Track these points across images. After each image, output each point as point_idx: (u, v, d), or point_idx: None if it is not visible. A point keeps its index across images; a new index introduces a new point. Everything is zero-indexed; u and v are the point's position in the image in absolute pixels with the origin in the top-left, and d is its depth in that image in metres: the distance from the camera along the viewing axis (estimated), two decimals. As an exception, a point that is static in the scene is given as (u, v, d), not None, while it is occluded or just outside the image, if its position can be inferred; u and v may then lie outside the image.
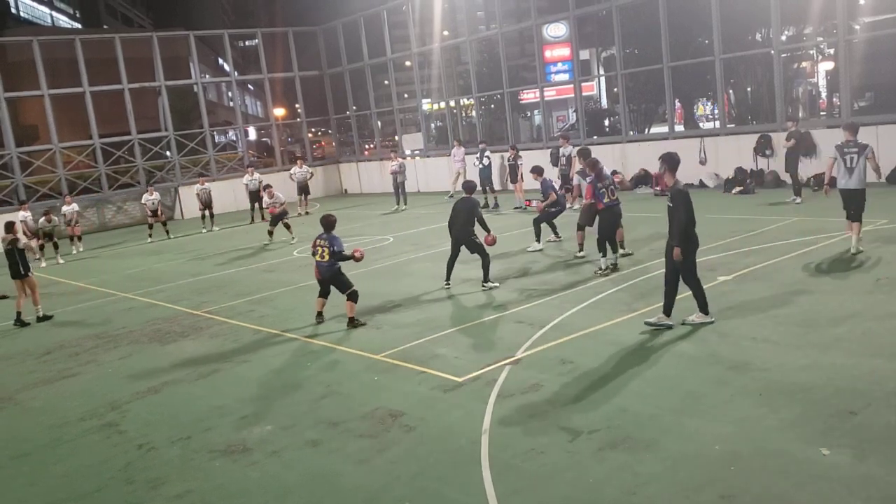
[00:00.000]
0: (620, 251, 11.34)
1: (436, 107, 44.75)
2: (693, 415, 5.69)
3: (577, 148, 12.98)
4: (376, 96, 30.99)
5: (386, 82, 32.02)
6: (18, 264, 11.85)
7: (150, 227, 21.96)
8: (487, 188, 20.49)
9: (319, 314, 9.79)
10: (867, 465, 4.66)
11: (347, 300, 9.43)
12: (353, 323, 9.40)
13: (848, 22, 18.14)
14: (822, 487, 4.46)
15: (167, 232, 22.15)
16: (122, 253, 20.17)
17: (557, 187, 19.87)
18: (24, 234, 17.40)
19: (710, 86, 25.50)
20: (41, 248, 19.24)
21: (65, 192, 24.46)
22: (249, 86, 67.78)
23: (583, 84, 26.21)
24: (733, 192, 17.57)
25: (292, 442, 6.10)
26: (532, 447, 5.39)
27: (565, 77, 36.65)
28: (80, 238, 20.92)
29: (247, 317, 10.72)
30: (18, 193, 24.97)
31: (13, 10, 57.95)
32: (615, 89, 31.67)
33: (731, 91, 27.93)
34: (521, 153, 19.97)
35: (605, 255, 10.66)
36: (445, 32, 31.86)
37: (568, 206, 18.32)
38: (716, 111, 32.44)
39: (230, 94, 50.13)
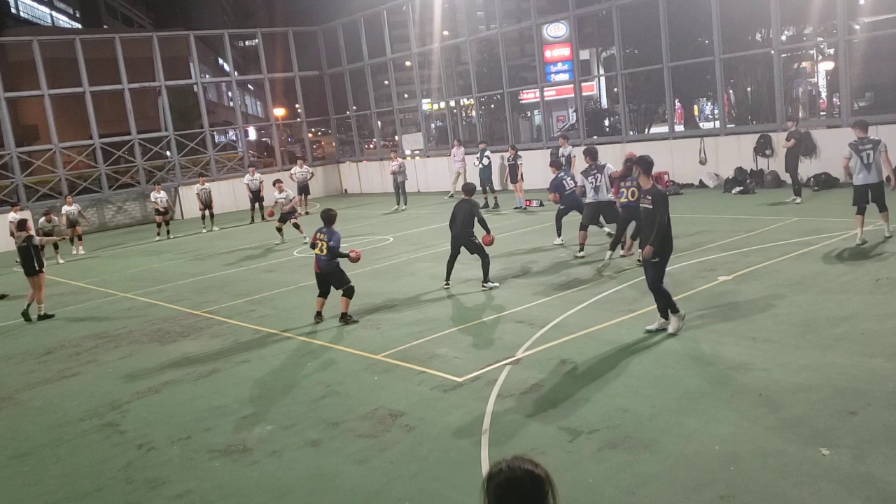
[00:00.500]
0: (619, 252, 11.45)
1: (436, 107, 44.79)
2: (693, 415, 5.69)
3: (584, 148, 12.88)
4: (376, 96, 30.98)
5: (386, 82, 32.02)
6: (33, 260, 12.07)
7: (158, 225, 22.14)
8: (487, 188, 20.49)
9: (318, 314, 9.81)
10: (867, 465, 4.66)
11: (342, 296, 9.51)
12: (345, 318, 9.48)
13: (848, 22, 18.14)
14: (822, 487, 4.47)
15: (168, 232, 22.19)
16: (122, 253, 20.18)
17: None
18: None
19: (710, 86, 25.51)
20: (41, 247, 19.19)
21: (65, 193, 24.49)
22: (249, 86, 67.80)
23: (583, 84, 26.20)
24: (733, 192, 17.57)
25: (292, 442, 6.10)
26: (532, 447, 5.39)
27: (565, 77, 36.61)
28: (80, 238, 20.93)
29: (247, 317, 10.72)
30: (18, 193, 24.99)
31: (13, 10, 57.94)
32: (615, 89, 31.68)
33: (731, 91, 27.93)
34: (520, 153, 19.98)
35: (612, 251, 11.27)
36: (445, 32, 31.90)
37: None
38: (716, 111, 32.44)
39: (230, 94, 50.15)
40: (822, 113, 30.01)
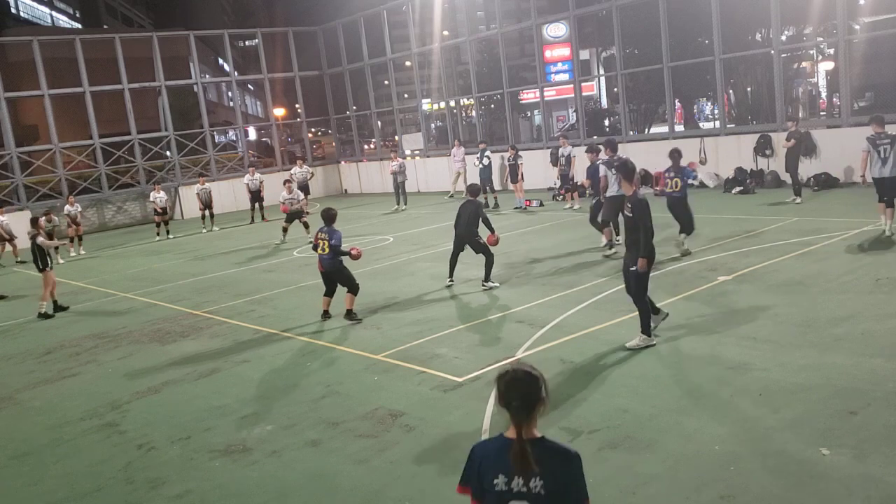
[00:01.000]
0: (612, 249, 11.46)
1: (436, 107, 44.80)
2: (693, 415, 5.69)
3: (605, 139, 12.42)
4: (376, 96, 30.99)
5: (386, 82, 32.03)
6: (38, 259, 12.31)
7: (157, 225, 22.18)
8: (487, 188, 20.48)
9: (326, 313, 9.87)
10: (867, 465, 4.66)
11: (347, 293, 9.59)
12: (350, 315, 9.54)
13: (848, 22, 18.14)
14: (822, 487, 4.47)
15: (167, 232, 22.21)
16: (122, 253, 20.18)
17: (558, 187, 20.04)
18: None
19: (710, 86, 25.52)
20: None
21: (66, 193, 24.49)
22: (249, 86, 67.78)
23: (583, 84, 26.21)
24: (733, 192, 17.57)
25: (292, 442, 6.10)
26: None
27: (565, 77, 36.64)
28: (80, 238, 20.93)
29: (247, 317, 10.72)
30: (18, 193, 24.99)
31: (13, 10, 57.94)
32: (615, 89, 31.68)
33: (731, 91, 27.93)
34: (521, 153, 19.98)
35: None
36: (445, 32, 31.90)
37: (567, 206, 18.41)
38: (716, 111, 32.44)
39: (230, 94, 50.14)
40: (822, 113, 30.02)
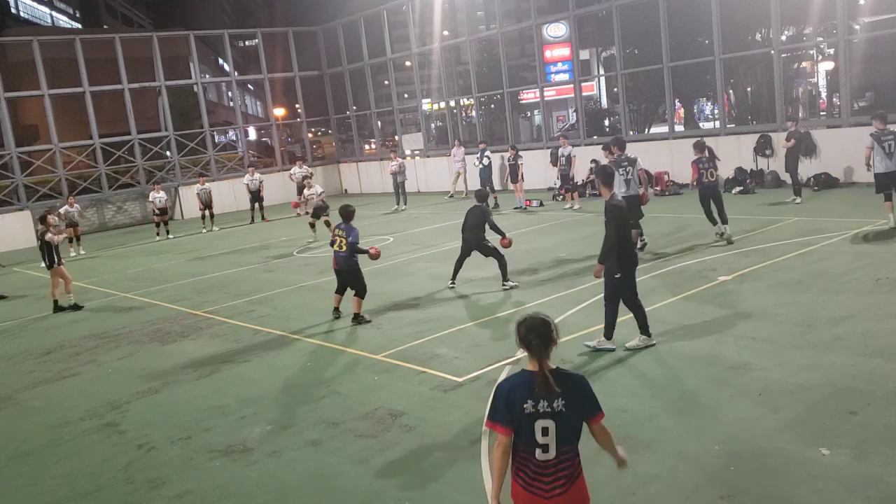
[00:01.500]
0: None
1: (436, 107, 44.79)
2: (693, 415, 5.69)
3: (612, 138, 12.35)
4: (376, 96, 30.99)
5: (386, 82, 32.03)
6: (45, 256, 12.60)
7: (157, 225, 22.18)
8: (488, 188, 20.48)
9: (336, 310, 9.89)
10: (867, 465, 4.66)
11: (354, 296, 9.58)
12: (357, 319, 9.53)
13: (848, 22, 18.14)
14: (822, 487, 4.47)
15: (167, 231, 22.21)
16: (122, 253, 20.18)
17: (558, 187, 20.04)
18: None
19: (710, 86, 25.51)
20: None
21: (66, 193, 24.49)
22: (249, 86, 67.76)
23: (583, 84, 26.21)
24: (733, 192, 17.57)
25: (292, 442, 6.10)
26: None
27: (565, 77, 36.64)
28: (78, 238, 20.92)
29: (247, 317, 10.72)
30: (18, 193, 24.99)
31: (13, 10, 57.95)
32: (615, 89, 31.68)
33: (731, 91, 27.93)
34: (521, 153, 19.98)
35: (716, 224, 11.85)
36: (445, 32, 31.89)
37: (567, 206, 18.40)
38: (716, 111, 32.44)
39: (230, 94, 50.14)
40: (822, 113, 30.01)
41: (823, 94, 31.72)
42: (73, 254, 20.49)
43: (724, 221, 11.88)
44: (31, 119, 39.72)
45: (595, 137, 25.83)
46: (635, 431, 5.49)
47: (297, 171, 24.18)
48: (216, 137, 33.22)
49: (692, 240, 12.29)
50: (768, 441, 5.11)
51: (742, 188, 17.50)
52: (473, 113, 30.61)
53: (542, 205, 19.35)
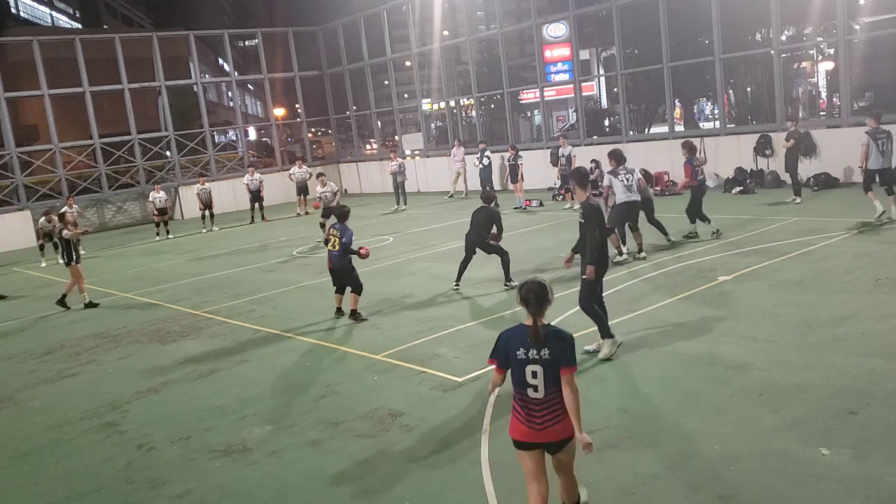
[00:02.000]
0: (641, 253, 11.45)
1: (436, 107, 44.79)
2: (693, 415, 5.69)
3: (610, 150, 12.32)
4: (376, 96, 30.99)
5: (386, 82, 32.03)
6: (65, 253, 12.88)
7: (157, 225, 22.18)
8: (488, 188, 20.50)
9: (338, 310, 9.96)
10: (867, 465, 4.66)
11: (352, 293, 9.67)
12: (355, 315, 9.62)
13: (848, 22, 18.14)
14: (822, 487, 4.47)
15: (167, 231, 22.21)
16: (122, 253, 20.18)
17: (558, 187, 20.05)
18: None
19: (710, 86, 25.51)
20: (41, 248, 19.25)
21: (65, 193, 24.49)
22: (249, 86, 67.79)
23: (583, 84, 26.21)
24: (733, 192, 17.57)
25: (292, 442, 6.10)
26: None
27: (565, 77, 36.65)
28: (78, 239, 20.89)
29: (247, 317, 10.72)
30: (18, 193, 24.99)
31: (13, 10, 57.95)
32: (615, 89, 31.69)
33: (731, 91, 27.92)
34: (520, 153, 19.98)
35: (705, 222, 12.18)
36: (445, 32, 31.90)
37: (567, 206, 18.40)
38: (716, 111, 32.44)
39: (230, 94, 50.15)
40: (821, 113, 30.01)
41: (823, 94, 31.72)
42: (61, 258, 20.45)
43: (692, 220, 12.38)
44: (31, 119, 39.73)
45: (595, 137, 25.84)
46: (635, 431, 5.49)
47: (297, 171, 24.19)
48: (216, 137, 33.22)
49: (692, 239, 12.28)
50: (768, 441, 5.11)
51: (742, 188, 17.50)
52: (473, 113, 30.61)
53: (542, 205, 19.35)
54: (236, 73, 32.99)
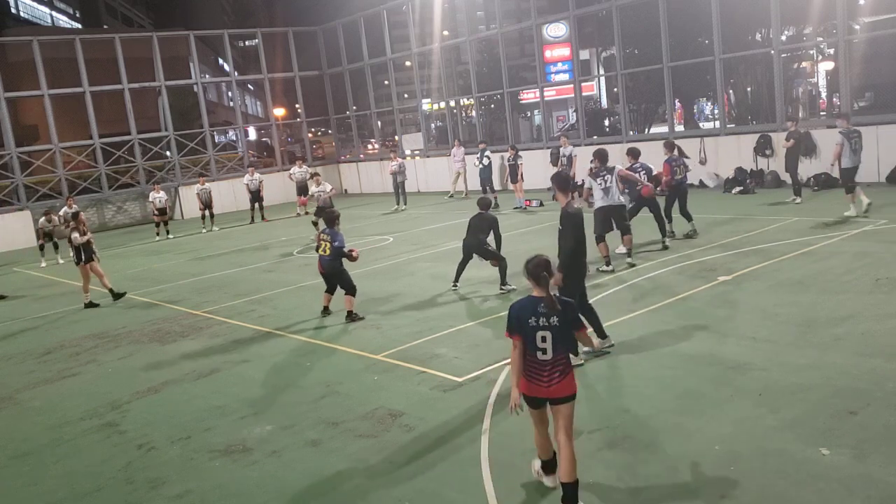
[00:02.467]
0: (628, 259, 11.08)
1: (436, 107, 44.79)
2: (693, 415, 5.69)
3: (595, 150, 12.08)
4: (376, 96, 30.99)
5: (386, 82, 32.03)
6: (75, 253, 12.94)
7: (157, 225, 22.18)
8: (487, 188, 20.51)
9: (325, 309, 10.00)
10: (867, 465, 4.66)
11: (345, 295, 9.69)
12: (350, 316, 9.61)
13: (848, 22, 18.13)
14: (822, 487, 4.46)
15: (167, 231, 22.22)
16: (122, 253, 20.17)
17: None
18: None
19: (710, 86, 25.51)
20: (41, 248, 19.25)
21: (66, 193, 24.49)
22: (249, 86, 67.79)
23: (583, 84, 26.21)
24: (733, 192, 17.57)
25: (292, 442, 6.10)
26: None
27: (565, 77, 36.66)
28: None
29: (247, 317, 10.72)
30: (18, 193, 24.99)
31: (13, 10, 57.95)
32: (615, 89, 31.69)
33: (731, 91, 27.93)
34: (520, 153, 19.98)
35: (671, 222, 12.31)
36: (445, 32, 31.89)
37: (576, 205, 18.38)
38: (716, 111, 32.45)
39: (230, 94, 50.15)
40: (822, 113, 30.01)
41: (823, 94, 31.73)
42: (71, 255, 20.44)
43: (689, 219, 12.40)
44: (31, 119, 39.73)
45: (595, 137, 25.85)
46: (635, 431, 5.49)
47: (297, 170, 24.20)
48: (216, 137, 33.23)
49: (692, 240, 12.28)
50: (768, 441, 5.11)
51: (742, 188, 17.50)
52: (473, 113, 30.61)
53: (542, 205, 19.33)
54: (236, 73, 32.99)
